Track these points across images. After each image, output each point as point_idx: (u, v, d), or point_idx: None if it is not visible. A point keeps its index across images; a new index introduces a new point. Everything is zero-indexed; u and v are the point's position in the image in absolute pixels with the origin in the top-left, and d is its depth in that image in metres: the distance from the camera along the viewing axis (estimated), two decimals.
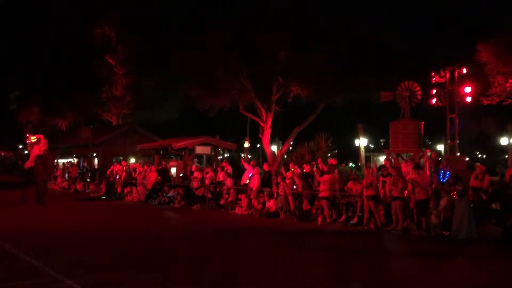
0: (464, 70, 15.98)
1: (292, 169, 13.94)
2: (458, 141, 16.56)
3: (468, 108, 17.31)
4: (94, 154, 27.59)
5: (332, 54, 18.98)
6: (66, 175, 25.22)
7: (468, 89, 15.77)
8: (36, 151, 15.63)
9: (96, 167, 25.16)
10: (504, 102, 15.60)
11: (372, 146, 37.89)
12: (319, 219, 12.24)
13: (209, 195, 15.78)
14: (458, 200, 9.62)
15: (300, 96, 20.91)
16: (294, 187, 13.22)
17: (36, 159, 15.55)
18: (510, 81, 14.67)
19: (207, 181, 16.26)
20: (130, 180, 19.40)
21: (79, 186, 23.12)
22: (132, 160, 26.32)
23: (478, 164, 13.47)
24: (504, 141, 23.88)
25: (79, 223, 11.98)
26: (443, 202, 10.07)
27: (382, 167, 12.02)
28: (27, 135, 22.42)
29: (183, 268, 7.10)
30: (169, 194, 16.85)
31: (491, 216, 10.40)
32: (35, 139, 15.72)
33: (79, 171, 25.39)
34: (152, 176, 18.26)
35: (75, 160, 29.22)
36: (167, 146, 20.33)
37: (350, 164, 26.55)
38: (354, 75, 19.62)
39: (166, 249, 8.65)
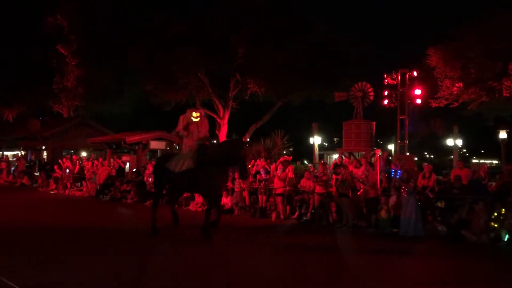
0: (415, 73, 16.59)
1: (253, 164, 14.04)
2: (407, 141, 17.18)
3: (418, 109, 17.96)
4: (43, 147, 26.54)
5: (290, 53, 19.18)
6: (13, 168, 24.16)
7: (418, 92, 16.38)
8: None
9: (46, 160, 24.22)
10: (451, 105, 16.30)
11: (326, 145, 38.61)
12: (273, 215, 12.36)
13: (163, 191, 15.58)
14: (406, 198, 9.98)
15: (257, 94, 21.00)
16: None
17: None
18: (457, 85, 15.34)
19: None
20: (81, 174, 18.84)
21: (25, 180, 22.20)
22: (83, 154, 25.52)
23: (426, 163, 14.06)
24: (450, 142, 25.01)
25: (23, 218, 11.53)
26: (392, 200, 10.45)
27: (336, 165, 12.31)
28: None
29: (129, 263, 6.96)
30: (122, 190, 16.51)
31: (437, 214, 10.84)
32: None
33: (26, 164, 24.36)
34: (105, 171, 17.81)
35: (23, 153, 28.02)
36: (120, 140, 19.88)
37: (305, 162, 26.99)
38: (310, 75, 19.91)
39: (109, 245, 8.45)
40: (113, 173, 17.91)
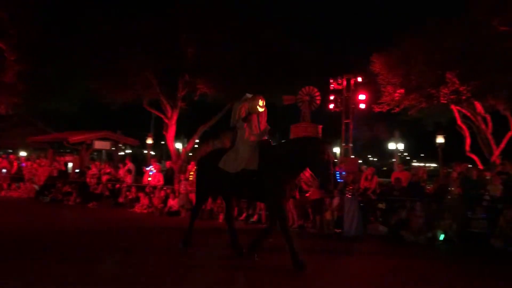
0: (360, 79, 17.14)
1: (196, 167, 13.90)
2: (352, 145, 17.71)
3: (362, 114, 18.56)
4: None
5: (240, 55, 19.22)
6: None
7: (362, 97, 16.95)
8: None
9: None
10: (392, 110, 16.96)
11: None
12: (220, 217, 12.35)
13: (107, 193, 15.17)
14: (349, 200, 10.31)
15: (207, 95, 20.88)
16: None
17: None
18: (398, 91, 15.98)
19: (105, 178, 15.62)
20: (19, 175, 17.97)
21: None
22: (23, 154, 24.34)
23: (364, 167, 14.58)
24: (392, 146, 26.05)
25: None
26: (335, 201, 10.75)
27: None
28: None
29: (64, 269, 6.64)
30: (64, 191, 15.91)
31: (378, 215, 11.27)
32: None
33: None
34: (45, 172, 17.10)
35: None
36: (62, 139, 19.16)
37: None
38: (260, 77, 20.05)
39: (47, 249, 8.04)
40: (55, 173, 17.23)
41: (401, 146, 27.00)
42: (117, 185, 15.49)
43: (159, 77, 19.53)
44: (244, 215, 12.28)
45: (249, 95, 7.62)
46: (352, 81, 17.15)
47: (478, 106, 16.55)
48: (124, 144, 22.19)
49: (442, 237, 9.60)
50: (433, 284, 6.50)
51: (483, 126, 17.17)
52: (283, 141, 8.34)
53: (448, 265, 7.93)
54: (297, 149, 7.00)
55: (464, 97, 15.09)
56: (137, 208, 14.12)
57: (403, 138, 26.82)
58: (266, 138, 7.54)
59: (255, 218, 12.02)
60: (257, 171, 7.04)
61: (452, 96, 15.12)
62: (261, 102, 7.50)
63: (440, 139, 21.27)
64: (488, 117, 17.05)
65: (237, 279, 6.50)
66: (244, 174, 7.15)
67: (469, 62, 14.14)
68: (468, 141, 17.85)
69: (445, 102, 15.66)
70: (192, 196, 13.39)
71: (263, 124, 7.59)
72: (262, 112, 7.58)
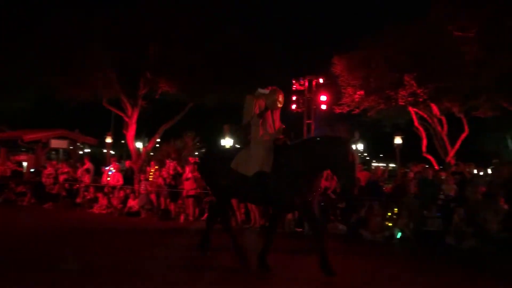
0: (321, 80, 17.39)
1: (156, 167, 13.72)
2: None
3: (324, 115, 18.84)
4: None
5: (203, 54, 19.07)
6: None
7: (323, 98, 17.21)
8: None
9: None
10: (352, 112, 17.30)
11: (239, 147, 39.02)
12: (181, 217, 12.22)
13: (64, 193, 14.71)
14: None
15: (169, 93, 20.60)
16: None
17: None
18: (358, 93, 16.31)
19: (62, 178, 15.14)
20: None
21: None
22: None
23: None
24: (352, 146, 26.51)
25: None
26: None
27: None
28: None
29: (16, 276, 6.32)
30: (17, 191, 15.31)
31: (338, 214, 11.44)
32: None
33: None
34: None
35: None
36: (16, 138, 18.44)
37: None
38: (222, 77, 19.98)
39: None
40: (9, 173, 16.54)
41: (360, 146, 27.56)
42: (75, 185, 15.05)
43: (119, 75, 19.12)
44: (205, 215, 12.16)
45: (262, 90, 6.93)
46: (314, 82, 17.38)
47: (434, 108, 17.12)
48: (82, 143, 21.59)
49: (399, 235, 9.86)
50: (389, 280, 6.64)
51: (439, 128, 17.77)
52: (300, 140, 7.50)
53: (404, 262, 8.15)
54: (317, 149, 6.33)
55: (421, 99, 15.58)
56: (96, 209, 13.77)
57: (362, 139, 27.37)
58: (282, 137, 6.79)
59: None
60: (271, 174, 6.34)
61: (409, 98, 15.58)
62: (281, 98, 6.81)
63: (398, 140, 21.84)
64: (444, 119, 17.66)
65: (200, 280, 6.43)
66: (258, 177, 6.39)
67: (426, 66, 14.61)
68: (424, 142, 18.43)
69: (403, 104, 16.12)
70: (153, 197, 13.19)
71: (278, 122, 6.90)
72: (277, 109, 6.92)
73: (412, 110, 17.53)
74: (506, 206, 9.14)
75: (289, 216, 10.89)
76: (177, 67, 18.67)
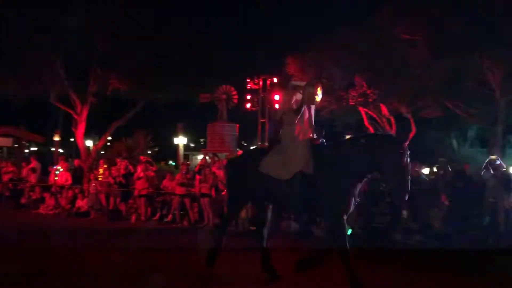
0: (275, 79, 17.55)
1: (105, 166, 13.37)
2: (267, 144, 18.03)
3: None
4: None
5: (157, 51, 18.76)
6: None
7: (277, 97, 17.37)
8: None
9: None
10: None
11: (193, 145, 38.71)
12: (133, 217, 12.00)
13: (8, 193, 14.06)
14: None
15: (120, 90, 20.13)
16: None
17: None
18: None
19: (6, 177, 14.47)
20: None
21: None
22: None
23: None
24: None
25: None
26: None
27: (200, 166, 12.44)
28: None
29: None
30: None
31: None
32: None
33: None
34: None
35: None
36: None
37: (170, 162, 26.70)
38: (176, 74, 19.75)
39: None
40: None
41: None
42: (20, 185, 14.42)
43: (68, 70, 18.48)
44: (158, 215, 12.02)
45: (297, 83, 6.16)
46: (268, 82, 17.51)
47: (383, 109, 17.66)
48: (29, 141, 20.67)
49: (349, 231, 10.09)
50: (334, 275, 6.78)
51: (387, 128, 18.34)
52: (342, 139, 6.87)
53: (352, 258, 8.35)
54: (365, 150, 5.51)
55: (370, 100, 16.05)
56: (42, 209, 13.25)
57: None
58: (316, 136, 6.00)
59: (169, 218, 11.81)
60: (314, 176, 5.52)
61: (360, 99, 16.01)
62: (319, 91, 5.83)
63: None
64: (392, 119, 18.27)
65: (149, 280, 6.33)
66: (297, 180, 5.57)
67: (376, 67, 15.06)
68: None
69: (354, 104, 16.54)
70: (102, 197, 12.84)
71: (312, 118, 6.00)
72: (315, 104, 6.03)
73: (362, 110, 18.02)
74: (447, 203, 9.58)
75: (243, 214, 10.92)
76: (129, 63, 18.27)
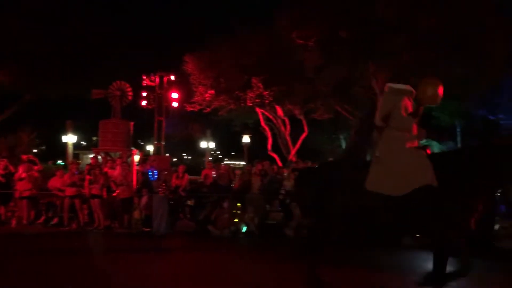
0: (172, 77, 17.29)
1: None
2: (164, 143, 17.75)
3: (177, 112, 18.77)
4: None
5: (43, 43, 17.43)
6: None
7: (175, 95, 17.14)
8: None
9: None
10: (204, 110, 17.57)
11: (85, 144, 36.67)
12: (13, 221, 11.03)
13: None
14: (159, 198, 10.28)
15: (3, 83, 18.39)
16: None
17: None
18: (209, 92, 16.65)
19: None
20: None
21: None
22: None
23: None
24: (204, 144, 26.97)
25: None
26: (144, 200, 10.61)
27: (91, 166, 11.82)
28: None
29: None
30: None
31: (187, 212, 11.50)
32: None
33: None
34: None
35: None
36: None
37: (59, 162, 25.03)
38: (66, 68, 18.59)
39: None
40: None
41: (212, 144, 28.14)
42: None
43: None
44: (43, 218, 11.17)
45: (399, 86, 5.03)
46: (165, 79, 17.18)
47: (279, 110, 18.34)
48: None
49: (244, 229, 10.30)
50: (230, 272, 6.88)
51: (282, 128, 19.09)
52: (459, 146, 5.72)
53: (246, 254, 8.55)
54: (498, 158, 4.68)
55: (267, 101, 16.56)
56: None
57: (214, 137, 27.99)
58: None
59: (55, 220, 11.05)
60: (434, 190, 4.64)
61: (257, 100, 16.44)
62: (441, 90, 4.89)
63: (246, 139, 22.87)
64: (287, 120, 19.04)
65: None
66: (416, 196, 4.65)
67: (272, 69, 15.56)
68: (270, 141, 19.63)
69: (251, 104, 16.94)
70: None
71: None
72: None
73: (259, 111, 18.52)
74: None
75: (137, 215, 10.61)
76: (11, 54, 16.77)
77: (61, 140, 22.64)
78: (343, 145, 26.41)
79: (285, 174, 12.03)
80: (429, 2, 13.07)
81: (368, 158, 6.26)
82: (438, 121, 18.82)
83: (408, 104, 4.93)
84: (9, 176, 11.58)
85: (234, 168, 15.08)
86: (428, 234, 5.04)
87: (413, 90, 4.90)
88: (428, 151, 4.92)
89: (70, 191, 10.99)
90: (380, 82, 15.45)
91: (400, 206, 4.68)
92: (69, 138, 21.00)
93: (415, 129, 4.92)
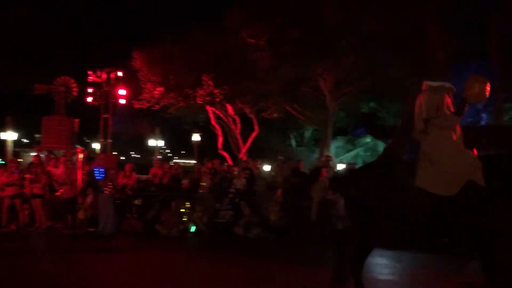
0: (120, 73, 16.85)
1: None
2: (111, 141, 17.29)
3: (125, 110, 18.32)
4: None
5: None
6: None
7: (122, 92, 16.71)
8: None
9: None
10: (152, 108, 17.28)
11: (28, 141, 35.04)
12: None
13: None
14: (104, 197, 10.02)
15: None
16: None
17: None
18: (158, 89, 16.40)
19: None
20: None
21: None
22: None
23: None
24: (152, 142, 26.49)
25: None
26: (89, 199, 10.30)
27: (32, 164, 11.34)
28: None
29: None
30: None
31: (134, 211, 11.27)
32: None
33: None
34: None
35: None
36: None
37: None
38: (8, 62, 17.77)
39: None
40: None
41: (161, 143, 27.71)
42: None
43: None
44: None
45: (438, 83, 4.84)
46: (112, 75, 16.72)
47: (229, 108, 18.34)
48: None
49: (193, 228, 10.23)
50: (180, 271, 6.84)
51: (233, 127, 19.11)
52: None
53: (195, 254, 8.52)
54: None
55: (217, 99, 16.53)
56: None
57: (163, 135, 27.57)
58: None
59: None
60: (484, 191, 4.42)
61: (207, 98, 16.38)
62: (488, 88, 4.68)
63: (196, 137, 22.71)
64: (238, 119, 19.08)
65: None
66: (464, 195, 4.45)
67: (223, 68, 15.55)
68: (220, 139, 19.61)
69: (201, 102, 16.84)
70: None
71: None
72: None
73: (209, 109, 18.44)
74: (281, 198, 10.35)
75: (81, 215, 10.28)
76: None
77: (0, 137, 21.53)
78: (293, 144, 26.85)
79: (235, 172, 12.07)
80: (373, 7, 13.55)
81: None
82: (383, 121, 19.56)
83: (449, 101, 4.74)
84: None
85: (184, 167, 14.97)
86: (473, 239, 4.70)
87: (452, 87, 4.76)
88: (475, 152, 4.68)
89: (9, 191, 10.49)
90: (328, 82, 15.86)
91: (448, 206, 4.50)
92: (9, 135, 20.04)
93: (458, 128, 4.72)
